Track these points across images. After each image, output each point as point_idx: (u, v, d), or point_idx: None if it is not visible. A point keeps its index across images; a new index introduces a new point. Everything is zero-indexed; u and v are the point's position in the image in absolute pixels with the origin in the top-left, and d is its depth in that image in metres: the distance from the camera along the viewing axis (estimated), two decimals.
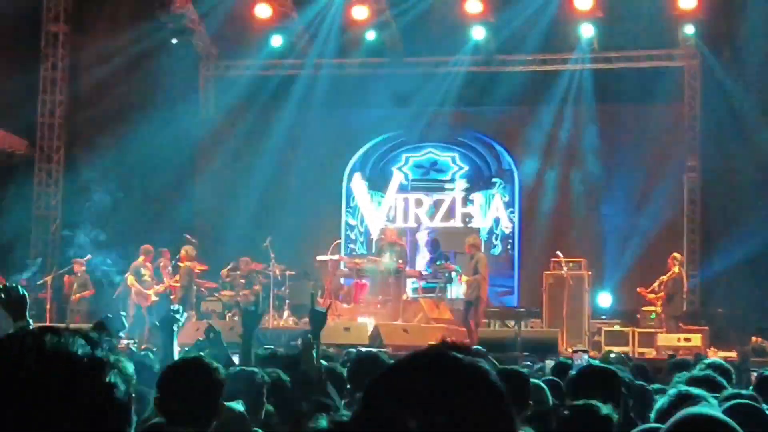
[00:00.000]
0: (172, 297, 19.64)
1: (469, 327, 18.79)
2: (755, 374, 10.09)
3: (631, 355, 16.53)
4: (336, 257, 20.40)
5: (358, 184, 24.83)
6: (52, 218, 22.93)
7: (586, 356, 8.32)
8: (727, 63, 21.92)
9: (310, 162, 23.76)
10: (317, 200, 24.02)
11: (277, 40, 23.70)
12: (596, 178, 23.08)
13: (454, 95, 23.30)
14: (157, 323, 7.00)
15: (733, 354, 16.87)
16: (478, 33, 22.81)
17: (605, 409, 4.29)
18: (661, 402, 4.19)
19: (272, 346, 9.45)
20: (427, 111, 23.49)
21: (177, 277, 19.98)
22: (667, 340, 18.74)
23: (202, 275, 20.61)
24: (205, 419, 4.02)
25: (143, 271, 19.65)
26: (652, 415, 4.15)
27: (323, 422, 3.68)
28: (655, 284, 19.70)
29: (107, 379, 1.64)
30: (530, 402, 5.70)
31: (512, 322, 20.03)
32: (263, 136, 23.34)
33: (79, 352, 1.64)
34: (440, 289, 20.33)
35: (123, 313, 6.61)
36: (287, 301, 20.01)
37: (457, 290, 20.40)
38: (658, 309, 19.70)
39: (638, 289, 20.08)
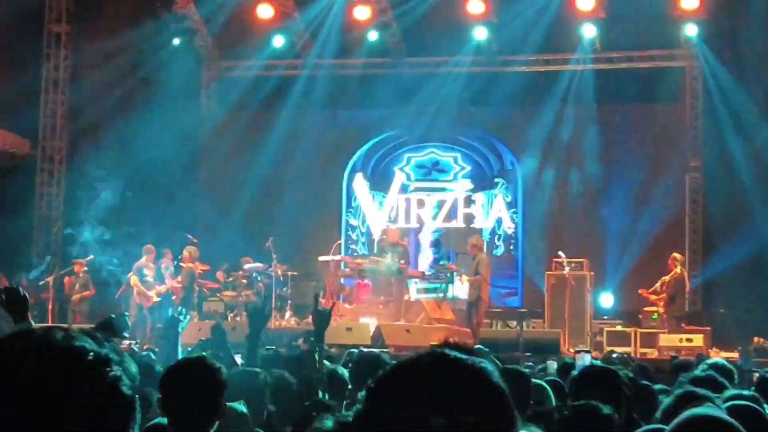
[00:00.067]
0: (173, 297, 19.65)
1: (472, 327, 18.79)
2: (757, 374, 10.09)
3: (632, 355, 16.53)
4: (338, 258, 20.39)
5: (359, 185, 24.82)
6: (54, 218, 22.94)
7: (588, 356, 8.32)
8: (728, 63, 21.92)
9: (311, 162, 23.76)
10: (319, 200, 24.04)
11: (278, 41, 23.71)
12: (598, 178, 23.07)
13: (455, 95, 23.30)
14: (160, 324, 7.02)
15: (735, 354, 16.87)
16: (480, 33, 22.81)
17: (606, 409, 4.29)
18: (666, 402, 4.19)
19: (274, 347, 9.46)
20: (429, 111, 23.48)
21: (179, 277, 19.99)
22: (669, 340, 18.74)
23: (204, 275, 20.61)
24: (207, 419, 4.03)
25: (146, 271, 19.66)
26: (657, 415, 4.15)
27: (329, 423, 3.68)
28: (657, 285, 19.70)
29: (113, 377, 1.65)
30: (531, 402, 5.71)
31: (514, 323, 20.02)
32: (265, 136, 23.34)
33: (87, 349, 1.65)
34: (442, 290, 20.32)
35: (126, 314, 6.62)
36: (289, 302, 20.01)
37: (459, 290, 20.39)
38: (660, 309, 19.69)
39: (640, 291, 20.07)
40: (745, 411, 3.92)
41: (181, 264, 20.00)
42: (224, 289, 20.63)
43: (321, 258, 20.12)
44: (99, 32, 22.69)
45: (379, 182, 24.85)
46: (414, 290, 20.76)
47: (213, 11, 23.15)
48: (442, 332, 17.25)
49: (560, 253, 20.15)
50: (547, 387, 6.46)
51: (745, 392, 5.40)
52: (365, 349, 10.76)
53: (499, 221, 24.30)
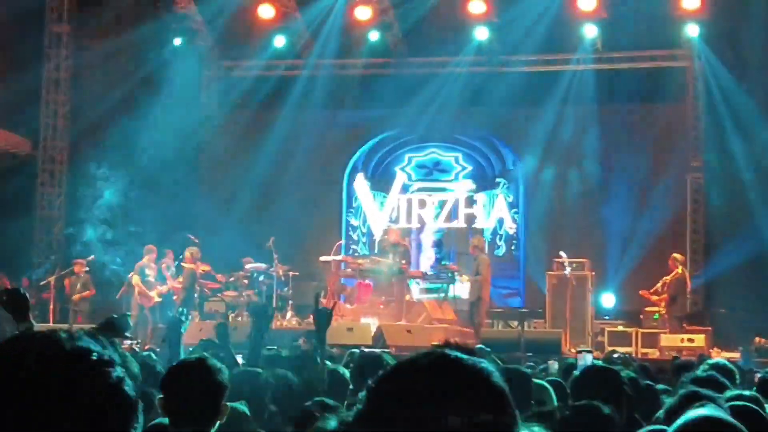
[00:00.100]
0: (174, 298, 19.65)
1: (475, 327, 18.82)
2: (758, 375, 10.09)
3: (633, 355, 16.52)
4: (339, 258, 20.39)
5: (360, 185, 24.82)
6: (55, 218, 22.94)
7: (590, 356, 8.31)
8: (729, 63, 21.92)
9: (312, 162, 23.77)
10: (320, 201, 24.05)
11: (279, 41, 23.73)
12: (599, 178, 23.09)
13: (456, 95, 23.30)
14: (161, 325, 7.02)
15: (736, 354, 16.87)
16: (481, 33, 22.82)
17: (606, 409, 4.29)
18: (670, 402, 4.19)
19: (275, 347, 9.45)
20: (430, 111, 23.49)
21: (180, 278, 20.00)
22: (670, 340, 18.74)
23: (206, 275, 20.62)
24: (208, 419, 4.03)
25: (147, 271, 19.68)
26: (660, 415, 4.15)
27: (332, 423, 3.68)
28: (658, 285, 19.70)
29: (116, 377, 1.65)
30: (532, 402, 5.71)
31: (515, 323, 20.03)
32: (266, 135, 23.34)
33: (90, 350, 1.65)
34: (443, 290, 20.34)
35: (129, 314, 6.62)
36: (290, 302, 20.02)
37: (461, 290, 20.39)
38: (662, 310, 19.69)
39: (641, 292, 20.07)
40: (745, 411, 3.92)
41: (183, 264, 20.01)
42: (225, 290, 20.63)
43: (322, 258, 20.12)
44: (100, 32, 22.68)
45: (380, 182, 24.86)
46: (416, 291, 20.77)
47: (214, 11, 23.16)
48: (443, 332, 17.26)
49: (561, 253, 20.14)
50: (549, 387, 6.46)
51: (746, 392, 5.40)
52: (366, 350, 10.76)
53: (500, 221, 24.30)
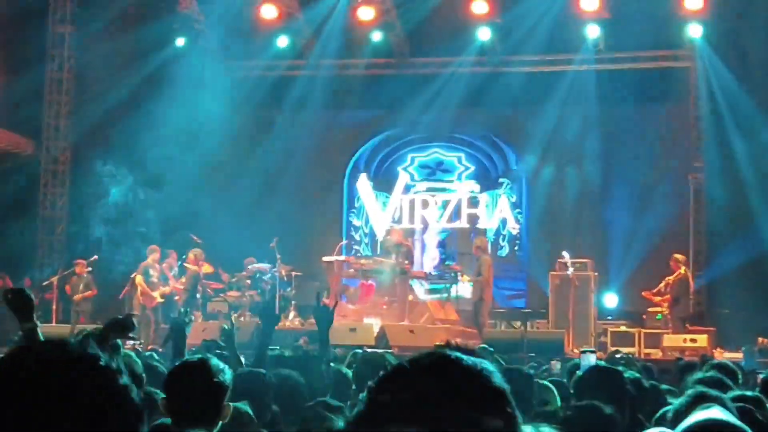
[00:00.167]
0: (176, 299, 19.65)
1: (477, 328, 18.84)
2: (761, 375, 10.08)
3: (636, 356, 16.52)
4: (342, 258, 20.40)
5: (363, 185, 24.83)
6: (58, 219, 22.95)
7: (593, 357, 8.30)
8: (732, 63, 21.90)
9: (315, 162, 23.79)
10: (322, 201, 24.07)
11: (282, 41, 23.74)
12: (601, 178, 23.09)
13: (459, 95, 23.30)
14: (164, 325, 7.03)
15: (739, 355, 16.86)
16: (484, 34, 22.82)
17: (608, 409, 4.29)
18: (678, 402, 4.18)
19: (278, 347, 9.46)
20: (433, 111, 23.49)
21: (183, 279, 20.01)
22: (673, 341, 18.72)
23: (211, 276, 20.65)
24: (210, 420, 4.04)
25: (151, 271, 19.69)
26: (669, 415, 4.15)
27: (339, 423, 3.69)
28: (661, 285, 19.68)
29: (123, 384, 1.66)
30: (536, 402, 5.71)
31: (518, 323, 20.03)
32: (268, 136, 23.36)
33: (99, 356, 1.66)
34: (446, 290, 20.35)
35: (134, 314, 6.62)
36: (293, 302, 20.02)
37: (464, 290, 20.40)
38: (665, 310, 19.68)
39: (643, 293, 20.06)
40: (745, 412, 3.92)
41: (185, 264, 20.03)
42: (228, 290, 20.65)
43: (325, 258, 20.13)
44: (103, 32, 22.69)
45: (383, 182, 24.86)
46: (420, 291, 20.77)
47: (217, 11, 23.17)
48: (445, 333, 17.27)
49: (564, 253, 20.13)
50: (553, 387, 6.46)
51: (749, 393, 5.40)
52: (369, 350, 10.76)
53: (503, 222, 24.29)
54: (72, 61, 23.24)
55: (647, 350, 18.78)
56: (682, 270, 19.54)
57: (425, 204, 24.54)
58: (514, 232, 24.22)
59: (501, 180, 24.47)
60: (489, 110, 23.68)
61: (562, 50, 23.21)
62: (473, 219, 24.32)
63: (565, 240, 21.62)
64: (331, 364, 6.89)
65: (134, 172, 21.63)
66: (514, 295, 23.47)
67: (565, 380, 7.40)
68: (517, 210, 24.28)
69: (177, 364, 4.74)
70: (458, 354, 1.63)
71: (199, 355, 4.60)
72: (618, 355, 12.52)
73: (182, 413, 4.05)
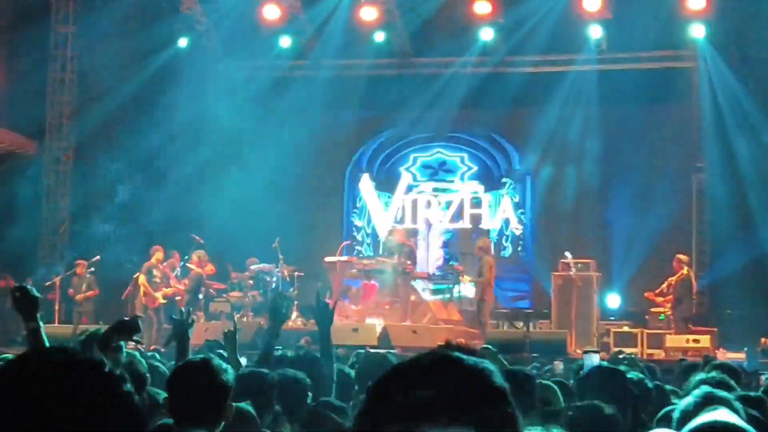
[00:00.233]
0: (178, 299, 19.66)
1: (479, 328, 18.85)
2: (763, 376, 10.08)
3: (639, 356, 16.51)
4: (344, 258, 20.40)
5: (366, 185, 24.81)
6: (60, 219, 22.96)
7: (596, 357, 8.30)
8: (735, 64, 21.89)
9: (318, 162, 23.79)
10: (325, 201, 24.07)
11: (285, 41, 23.74)
12: (604, 178, 23.07)
13: (462, 95, 23.29)
14: (167, 326, 7.02)
15: (741, 355, 16.87)
16: (487, 34, 22.81)
17: (609, 409, 4.29)
18: (686, 403, 4.18)
19: (281, 347, 9.46)
20: (436, 111, 23.49)
21: (185, 280, 20.02)
22: (675, 341, 18.70)
23: (211, 276, 20.66)
24: (212, 420, 4.04)
25: (155, 272, 19.69)
26: (676, 416, 4.14)
27: (343, 423, 3.69)
28: (664, 286, 19.68)
29: (126, 390, 1.66)
30: (539, 402, 5.70)
31: (521, 323, 20.03)
32: (271, 136, 23.34)
33: (104, 362, 1.67)
34: (449, 290, 20.36)
35: (141, 316, 6.62)
36: (296, 303, 20.02)
37: (467, 290, 20.40)
38: (667, 310, 19.67)
39: (646, 294, 20.07)
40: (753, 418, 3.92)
41: (188, 265, 20.04)
42: (231, 290, 20.65)
43: (327, 259, 20.13)
44: (105, 33, 22.70)
45: (385, 183, 24.85)
46: (426, 292, 20.76)
47: (219, 12, 23.18)
48: (448, 333, 17.27)
49: (566, 253, 20.13)
50: (556, 387, 6.46)
51: (752, 394, 5.40)
52: (371, 350, 10.77)
53: (506, 222, 24.28)
54: (74, 61, 23.25)
55: (650, 351, 18.76)
56: (685, 270, 19.53)
57: (428, 204, 24.52)
58: (517, 232, 24.21)
59: (504, 180, 24.45)
60: (491, 110, 23.66)
61: (564, 50, 23.20)
62: (476, 219, 24.31)
63: (568, 240, 21.61)
64: (334, 365, 6.88)
65: (136, 172, 21.66)
66: (518, 296, 23.41)
67: (571, 381, 7.40)
68: (520, 210, 24.27)
69: (181, 363, 4.74)
70: (458, 354, 1.63)
71: (202, 355, 4.60)
72: (621, 356, 12.51)
73: (185, 413, 4.05)
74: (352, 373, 6.77)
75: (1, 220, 21.33)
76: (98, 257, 20.26)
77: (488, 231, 23.76)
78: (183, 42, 23.82)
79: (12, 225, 21.15)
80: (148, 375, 6.04)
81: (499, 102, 23.11)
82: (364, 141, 24.74)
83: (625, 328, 19.99)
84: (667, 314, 19.71)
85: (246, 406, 4.77)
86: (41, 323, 5.27)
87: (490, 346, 9.03)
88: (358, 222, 24.96)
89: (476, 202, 24.43)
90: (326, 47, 23.51)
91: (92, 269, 20.33)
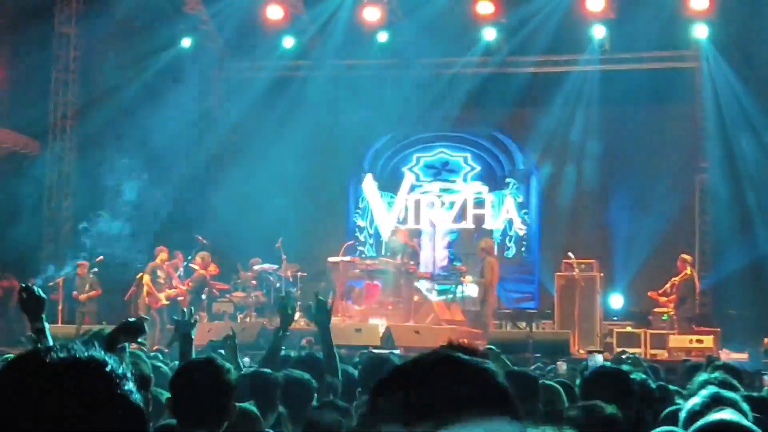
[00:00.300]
0: (180, 299, 19.66)
1: (481, 329, 18.86)
2: (766, 376, 10.07)
3: (642, 356, 16.50)
4: (347, 258, 20.40)
5: (369, 185, 24.81)
6: (63, 219, 22.98)
7: (600, 357, 8.30)
8: (738, 64, 21.89)
9: (320, 162, 23.79)
10: (327, 201, 24.07)
11: (288, 41, 23.75)
12: (606, 178, 23.07)
13: (464, 95, 23.29)
14: (170, 326, 7.02)
15: (744, 355, 16.86)
16: (490, 34, 22.81)
17: (610, 408, 4.28)
18: (693, 403, 4.19)
19: (284, 347, 9.46)
20: (438, 111, 23.49)
21: (188, 280, 20.02)
22: (678, 341, 18.70)
23: (215, 277, 20.66)
24: (216, 420, 4.04)
25: (159, 272, 19.70)
26: (683, 415, 4.15)
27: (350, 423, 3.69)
28: (667, 286, 19.68)
29: (127, 389, 1.66)
30: (540, 404, 5.70)
31: (524, 324, 20.02)
32: (273, 136, 23.35)
33: (106, 361, 1.67)
34: (452, 291, 20.37)
35: (146, 317, 6.62)
36: (299, 303, 20.00)
37: (471, 290, 20.39)
38: (670, 311, 19.66)
39: (649, 293, 20.06)
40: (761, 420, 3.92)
41: (191, 265, 20.05)
42: (234, 290, 20.66)
43: (331, 259, 20.14)
44: (108, 33, 22.71)
45: (388, 183, 24.85)
46: (433, 293, 20.76)
47: (223, 12, 23.20)
48: (451, 333, 17.26)
49: (569, 254, 20.13)
50: (559, 387, 6.46)
51: (755, 394, 5.40)
52: (375, 350, 10.78)
53: (509, 222, 24.26)
54: (77, 61, 23.26)
55: (653, 351, 18.76)
56: (689, 270, 19.53)
57: (431, 204, 24.51)
58: (521, 233, 24.19)
59: (507, 180, 24.44)
60: (495, 110, 23.66)
61: (567, 50, 23.21)
62: (479, 220, 24.29)
63: (570, 240, 21.60)
64: (338, 365, 6.88)
65: (140, 172, 21.66)
66: (522, 298, 23.33)
67: (577, 381, 7.40)
68: (524, 211, 24.25)
69: (184, 363, 4.75)
70: (461, 354, 1.63)
71: (206, 355, 4.61)
72: (624, 356, 12.50)
73: (188, 413, 4.05)
74: (356, 373, 6.76)
75: (5, 220, 21.34)
76: (101, 257, 20.27)
77: (491, 231, 23.75)
78: (186, 42, 23.83)
79: (15, 225, 21.16)
80: (152, 375, 6.04)
81: (502, 102, 23.13)
82: (368, 141, 24.74)
83: (628, 329, 19.99)
84: (670, 314, 19.70)
85: (249, 406, 4.77)
86: (46, 324, 5.29)
87: (493, 347, 9.04)
88: (360, 222, 24.95)
89: (479, 203, 24.41)
90: (329, 47, 23.52)
91: (95, 269, 20.33)
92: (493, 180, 24.47)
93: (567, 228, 22.83)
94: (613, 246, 22.45)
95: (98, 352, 1.68)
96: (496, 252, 21.69)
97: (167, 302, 19.57)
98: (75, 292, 20.39)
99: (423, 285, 20.52)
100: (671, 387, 6.96)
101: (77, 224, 22.10)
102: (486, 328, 18.93)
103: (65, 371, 1.62)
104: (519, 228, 24.20)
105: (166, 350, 12.64)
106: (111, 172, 20.79)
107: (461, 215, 24.37)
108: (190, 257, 20.23)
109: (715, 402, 3.90)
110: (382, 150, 24.97)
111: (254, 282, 20.45)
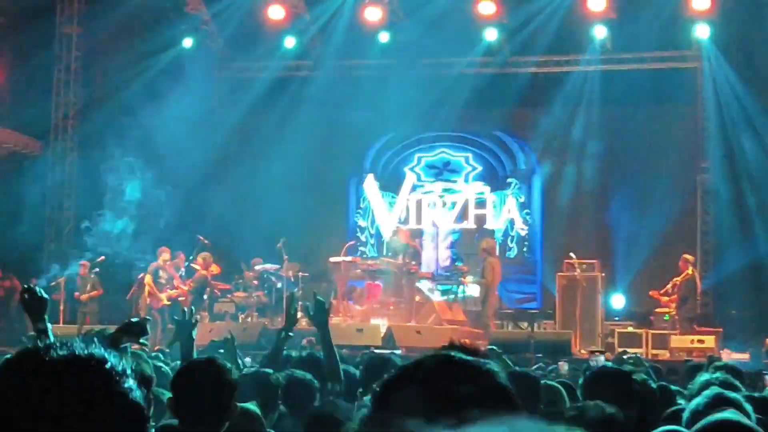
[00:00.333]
0: (182, 300, 19.65)
1: (482, 329, 18.85)
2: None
3: (644, 356, 16.49)
4: (348, 259, 20.39)
5: (370, 185, 24.80)
6: (65, 219, 22.99)
7: (602, 358, 8.31)
8: (739, 64, 21.89)
9: (322, 162, 23.78)
10: (330, 201, 24.07)
11: (289, 42, 23.75)
12: (607, 178, 23.07)
13: (466, 96, 23.27)
14: (171, 326, 7.01)
15: (746, 355, 16.85)
16: (491, 34, 22.82)
17: (610, 408, 4.28)
18: (696, 403, 4.19)
19: (285, 348, 9.46)
20: (440, 111, 23.49)
21: (190, 281, 20.01)
22: (680, 341, 18.69)
23: (216, 277, 20.65)
24: (217, 420, 4.04)
25: (161, 272, 19.69)
26: (685, 415, 4.15)
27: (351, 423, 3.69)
28: (669, 286, 19.67)
29: (126, 387, 1.66)
30: (541, 405, 5.70)
31: (525, 324, 20.01)
32: (275, 136, 23.35)
33: (107, 359, 1.67)
34: (453, 291, 20.36)
35: (149, 318, 6.61)
36: (300, 303, 19.98)
37: (473, 290, 20.38)
38: (672, 311, 19.66)
39: (650, 293, 20.05)
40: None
41: (192, 266, 20.04)
42: (235, 290, 20.65)
43: (332, 259, 20.13)
44: (110, 33, 22.72)
45: (390, 183, 24.84)
46: (435, 293, 20.74)
47: (224, 12, 23.20)
48: (452, 333, 17.25)
49: (571, 254, 20.13)
50: (561, 388, 6.45)
51: (756, 395, 5.40)
52: (376, 350, 10.77)
53: (511, 222, 24.24)
54: (79, 61, 23.27)
55: (655, 351, 18.76)
56: (690, 270, 19.51)
57: (432, 204, 24.50)
58: (523, 233, 24.18)
59: (509, 180, 24.43)
60: (496, 111, 23.68)
61: (568, 51, 23.21)
62: (481, 220, 24.28)
63: (571, 241, 21.60)
64: (339, 365, 6.87)
65: (142, 172, 21.65)
66: (524, 298, 23.29)
67: (580, 381, 7.40)
68: (526, 211, 24.24)
69: (185, 363, 4.75)
70: (463, 355, 1.64)
71: (207, 355, 4.61)
72: (626, 356, 12.50)
73: (189, 413, 4.05)
74: (357, 373, 6.76)
75: (7, 221, 21.35)
76: (103, 257, 20.26)
77: (492, 232, 23.73)
78: (188, 42, 23.84)
79: (16, 225, 21.17)
80: (154, 376, 6.04)
81: (503, 102, 23.15)
82: (369, 141, 24.74)
83: (630, 329, 19.99)
84: (671, 314, 19.70)
85: (251, 405, 4.77)
86: (49, 324, 5.29)
87: (495, 347, 9.03)
88: (361, 222, 24.95)
89: (480, 203, 24.40)
90: (330, 47, 23.53)
91: (96, 269, 20.32)
92: (495, 180, 24.46)
93: (568, 228, 22.83)
94: (614, 246, 22.46)
95: (98, 350, 1.67)
96: (497, 252, 21.66)
97: (168, 302, 19.57)
98: (76, 293, 20.39)
99: (424, 285, 20.49)
100: (673, 387, 6.96)
101: (79, 224, 22.10)
102: (487, 328, 18.92)
103: (65, 369, 1.62)
104: (521, 228, 24.19)
105: (167, 350, 12.65)
106: (113, 172, 20.78)
107: (463, 215, 24.36)
108: (191, 257, 20.23)
109: (718, 403, 3.90)
110: (384, 150, 24.96)
111: (256, 282, 20.44)
